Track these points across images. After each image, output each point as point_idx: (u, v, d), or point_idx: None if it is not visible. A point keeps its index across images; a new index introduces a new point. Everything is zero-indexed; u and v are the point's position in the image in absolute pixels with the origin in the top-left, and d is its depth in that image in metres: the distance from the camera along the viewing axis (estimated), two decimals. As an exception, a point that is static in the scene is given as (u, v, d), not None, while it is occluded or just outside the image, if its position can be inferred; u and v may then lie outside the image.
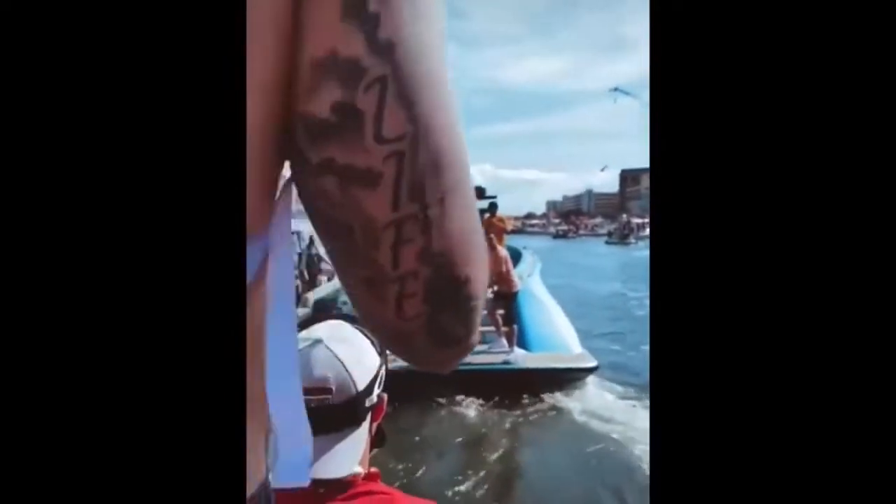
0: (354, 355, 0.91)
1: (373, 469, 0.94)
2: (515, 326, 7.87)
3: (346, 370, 0.90)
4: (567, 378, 7.68)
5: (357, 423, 0.91)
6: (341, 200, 0.36)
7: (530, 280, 9.80)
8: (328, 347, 0.91)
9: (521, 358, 7.66)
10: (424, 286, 0.39)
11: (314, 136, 0.36)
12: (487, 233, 8.51)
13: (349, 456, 0.89)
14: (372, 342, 0.96)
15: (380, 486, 0.93)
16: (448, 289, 0.40)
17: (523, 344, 8.08)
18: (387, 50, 0.33)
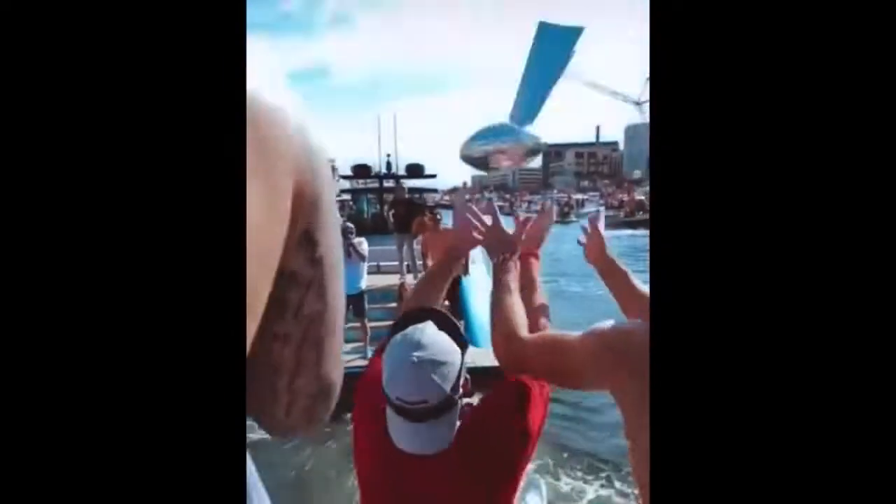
0: (443, 365, 1.06)
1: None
2: (463, 322, 7.46)
3: (440, 384, 1.06)
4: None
5: (451, 408, 1.09)
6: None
7: (474, 268, 8.78)
8: (420, 366, 1.06)
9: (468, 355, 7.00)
10: (309, 396, 0.54)
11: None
12: (420, 217, 8.37)
13: (447, 433, 1.09)
14: (452, 335, 1.10)
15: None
16: (325, 396, 0.55)
17: (471, 337, 7.40)
18: (317, 261, 0.50)
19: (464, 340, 1.13)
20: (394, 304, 7.39)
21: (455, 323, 1.16)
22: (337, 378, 0.56)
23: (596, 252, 1.48)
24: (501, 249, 1.39)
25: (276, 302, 0.48)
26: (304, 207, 0.47)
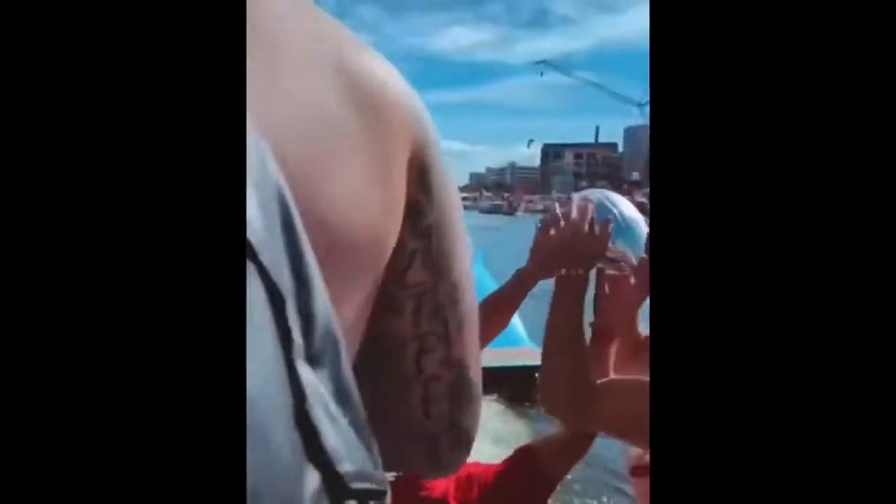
0: None
1: None
2: None
3: None
4: (516, 376, 6.96)
5: None
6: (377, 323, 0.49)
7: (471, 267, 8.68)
8: None
9: None
10: (447, 389, 0.51)
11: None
12: None
13: None
14: None
15: None
16: (467, 392, 0.51)
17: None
18: (424, 232, 0.48)
19: None
20: None
21: None
22: (475, 374, 0.53)
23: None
24: (574, 261, 1.08)
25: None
26: (413, 177, 0.46)
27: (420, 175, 0.46)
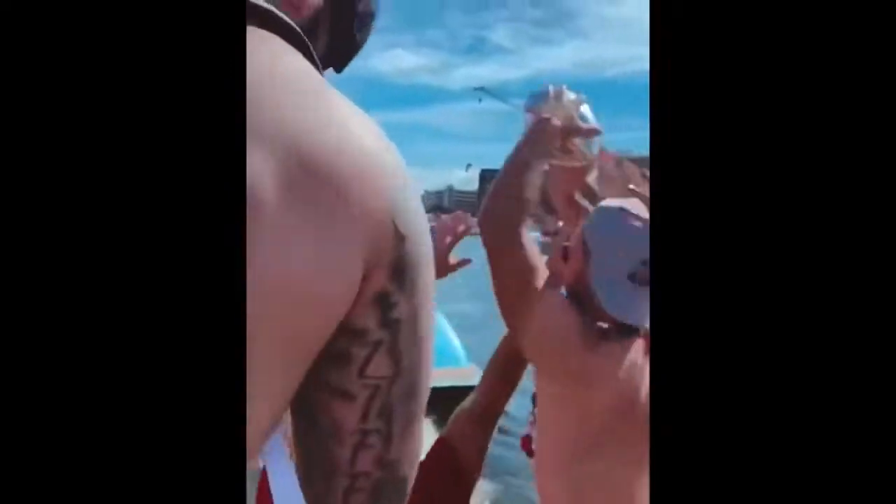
0: None
1: None
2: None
3: None
4: (454, 396, 6.29)
5: None
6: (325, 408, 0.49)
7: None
8: None
9: None
10: (373, 485, 0.50)
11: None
12: None
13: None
14: None
15: None
16: (393, 489, 0.51)
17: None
18: (392, 324, 0.47)
19: None
20: None
21: None
22: (408, 471, 0.52)
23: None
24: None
25: (339, 355, 0.47)
26: (381, 269, 0.45)
27: (395, 269, 0.46)
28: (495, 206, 1.10)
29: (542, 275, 1.06)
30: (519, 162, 1.12)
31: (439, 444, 1.11)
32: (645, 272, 0.91)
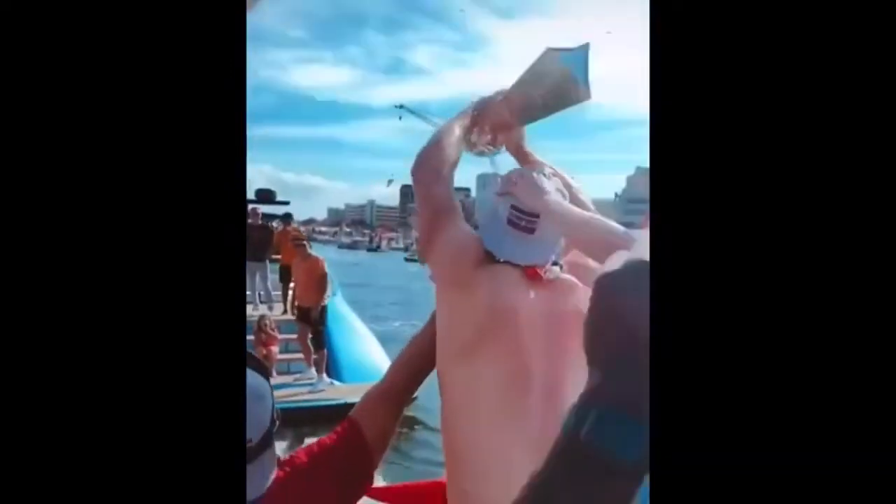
0: (258, 408, 0.97)
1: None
2: (325, 351, 6.87)
3: (263, 425, 0.96)
4: None
5: (269, 446, 1.00)
6: None
7: (334, 299, 7.93)
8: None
9: (334, 389, 6.48)
10: None
11: None
12: (287, 243, 7.62)
13: (268, 471, 0.99)
14: (259, 372, 1.00)
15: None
16: None
17: (334, 373, 7.02)
18: None
19: (268, 379, 1.05)
20: (251, 337, 6.52)
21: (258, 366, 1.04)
22: None
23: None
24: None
25: None
26: None
27: None
28: (424, 152, 1.34)
29: (455, 211, 1.26)
30: (445, 127, 1.38)
31: (347, 422, 1.15)
32: (515, 216, 1.17)
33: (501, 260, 1.19)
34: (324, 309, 6.76)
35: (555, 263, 1.23)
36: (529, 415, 1.09)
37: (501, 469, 1.03)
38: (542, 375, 1.12)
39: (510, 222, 1.20)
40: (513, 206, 1.20)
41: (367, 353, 7.50)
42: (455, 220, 1.23)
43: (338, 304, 8.30)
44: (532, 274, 1.19)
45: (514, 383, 1.12)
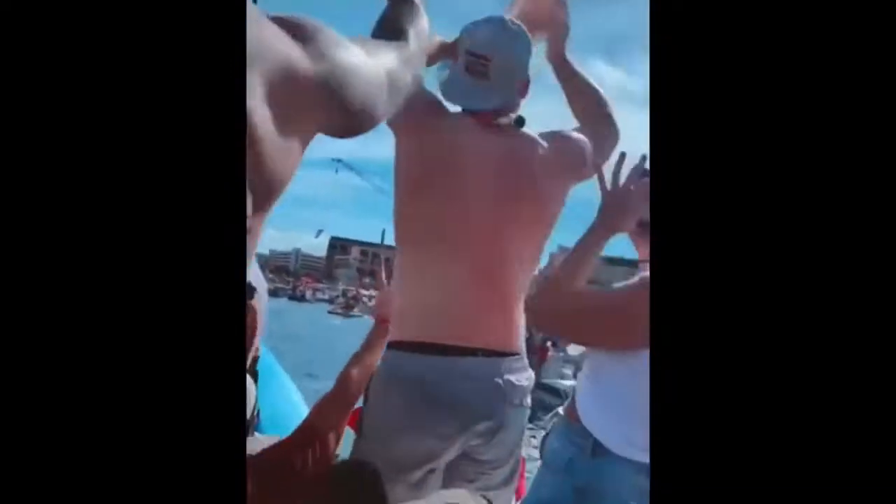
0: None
1: None
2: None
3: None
4: None
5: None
6: None
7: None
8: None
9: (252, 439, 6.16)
10: None
11: None
12: None
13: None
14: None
15: None
16: None
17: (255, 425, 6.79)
18: None
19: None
20: None
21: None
22: None
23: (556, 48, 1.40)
24: None
25: None
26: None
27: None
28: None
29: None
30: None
31: (303, 424, 1.20)
32: (471, 60, 1.20)
33: (458, 108, 1.25)
34: (256, 360, 6.51)
35: (520, 121, 1.27)
36: (469, 248, 1.19)
37: (438, 293, 1.17)
38: (484, 212, 1.19)
39: (467, 69, 1.22)
40: (468, 51, 1.23)
41: (291, 402, 7.11)
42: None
43: (266, 359, 7.89)
44: (483, 119, 1.24)
45: (455, 221, 1.21)
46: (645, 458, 0.93)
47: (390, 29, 0.74)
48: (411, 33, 0.74)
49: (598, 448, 1.02)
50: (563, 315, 1.14)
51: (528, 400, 1.23)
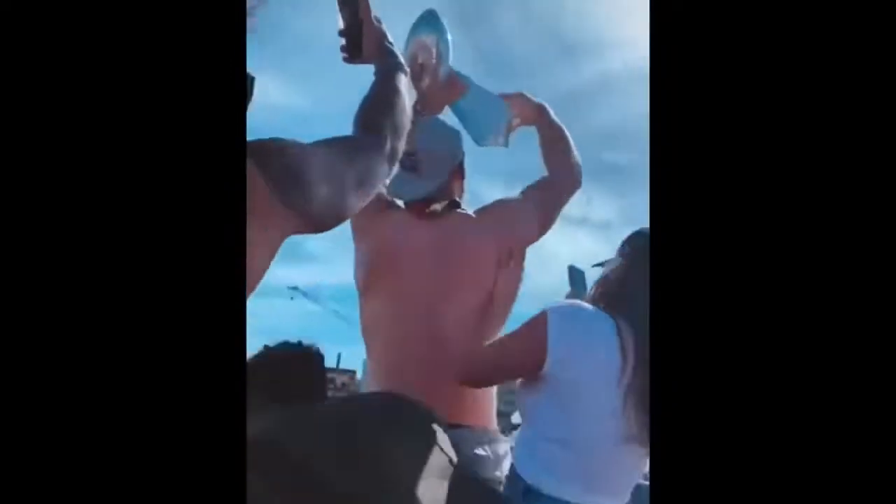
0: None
1: None
2: None
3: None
4: None
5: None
6: None
7: None
8: None
9: None
10: None
11: None
12: None
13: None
14: None
15: None
16: None
17: None
18: None
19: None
20: None
21: None
22: None
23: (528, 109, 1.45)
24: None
25: None
26: None
27: None
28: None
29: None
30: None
31: None
32: (402, 158, 1.15)
33: (396, 202, 1.33)
34: None
35: (454, 204, 1.32)
36: (415, 342, 1.23)
37: (395, 385, 1.16)
38: (425, 307, 1.24)
39: (400, 164, 1.25)
40: None
41: None
42: None
43: None
44: (419, 209, 1.31)
45: (399, 318, 1.27)
46: (580, 497, 0.92)
47: (370, 120, 0.79)
48: (388, 127, 0.79)
49: (528, 493, 1.01)
50: (477, 374, 1.20)
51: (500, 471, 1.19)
